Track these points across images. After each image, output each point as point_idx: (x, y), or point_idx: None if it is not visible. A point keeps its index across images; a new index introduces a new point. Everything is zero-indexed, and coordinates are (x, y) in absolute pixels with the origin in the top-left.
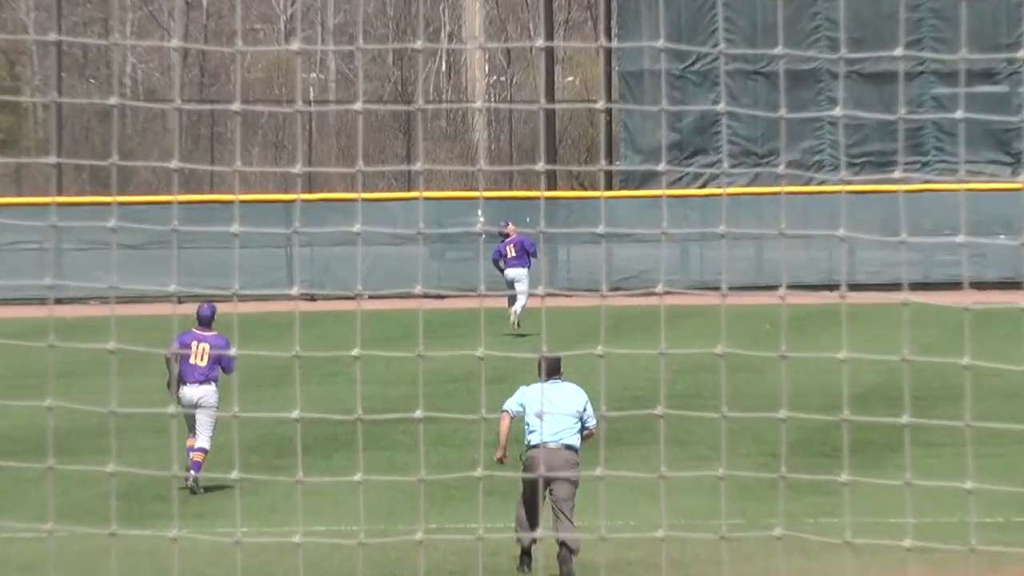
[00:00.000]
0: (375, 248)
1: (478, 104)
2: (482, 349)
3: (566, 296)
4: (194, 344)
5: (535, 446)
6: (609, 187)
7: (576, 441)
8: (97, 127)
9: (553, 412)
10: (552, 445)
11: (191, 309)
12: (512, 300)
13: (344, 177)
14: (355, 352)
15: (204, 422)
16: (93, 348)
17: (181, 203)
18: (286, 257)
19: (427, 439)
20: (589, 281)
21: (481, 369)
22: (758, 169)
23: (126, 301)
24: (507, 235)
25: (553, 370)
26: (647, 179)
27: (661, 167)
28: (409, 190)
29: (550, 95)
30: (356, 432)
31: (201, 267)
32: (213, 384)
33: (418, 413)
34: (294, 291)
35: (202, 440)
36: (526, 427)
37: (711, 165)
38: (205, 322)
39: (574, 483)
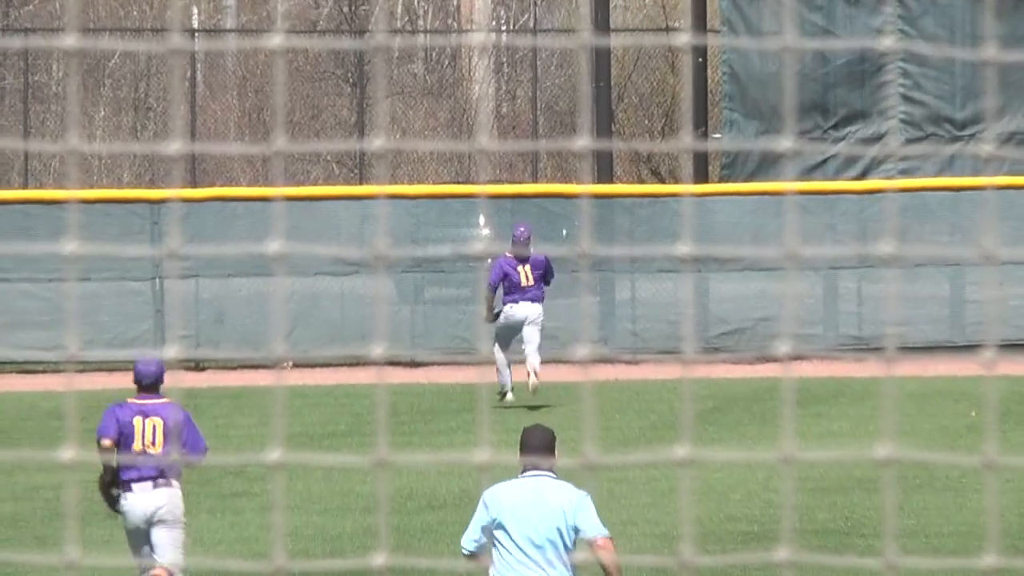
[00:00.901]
0: (305, 282)
1: (480, 36)
2: (485, 452)
3: (628, 363)
4: (137, 421)
5: None
6: (702, 177)
7: (567, 572)
8: None
9: (529, 526)
10: None
11: (6, 384)
12: (507, 349)
13: (252, 161)
14: (273, 457)
15: (167, 541)
16: None
17: None
18: (153, 296)
19: None
20: (667, 336)
21: (482, 486)
22: (954, 147)
23: None
24: (524, 256)
25: (537, 455)
26: (765, 164)
27: (789, 144)
28: (362, 182)
29: (602, 21)
30: None
31: (11, 314)
32: (176, 486)
33: (378, 560)
34: (169, 354)
35: (171, 563)
36: (494, 550)
37: (875, 140)
38: (150, 385)
39: None
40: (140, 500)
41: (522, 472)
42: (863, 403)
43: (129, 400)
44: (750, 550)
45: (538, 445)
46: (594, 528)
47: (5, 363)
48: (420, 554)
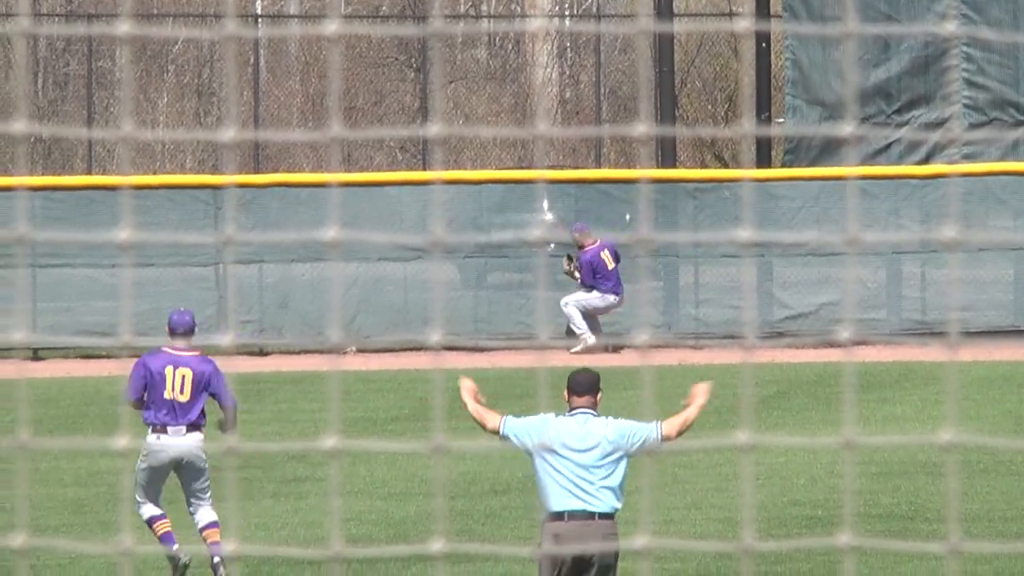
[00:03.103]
0: (369, 267)
1: (540, 22)
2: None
3: (692, 348)
4: (168, 370)
5: (558, 514)
6: (765, 163)
7: (614, 503)
8: None
9: (574, 459)
10: (580, 515)
11: (52, 369)
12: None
13: (314, 149)
14: (331, 443)
15: (203, 487)
16: None
17: (37, 190)
18: (216, 282)
19: None
20: (730, 322)
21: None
22: (1018, 132)
23: None
24: (584, 247)
25: (579, 395)
26: (828, 149)
27: (851, 129)
28: (424, 168)
29: (665, 6)
30: None
31: (72, 299)
32: (200, 432)
33: (437, 546)
34: (228, 340)
35: (209, 511)
36: (540, 481)
37: (938, 125)
38: (183, 334)
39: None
40: (174, 442)
41: (569, 411)
42: (927, 388)
43: (163, 348)
44: (814, 535)
45: (584, 385)
46: (645, 431)
47: (69, 348)
48: (484, 539)
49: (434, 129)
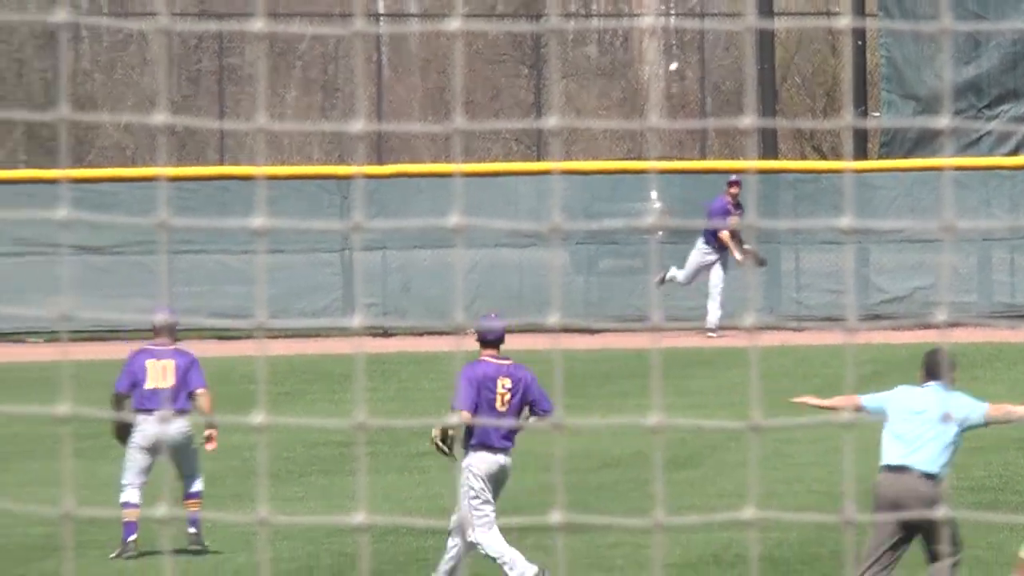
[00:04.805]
0: (484, 252)
1: (649, 19)
2: (656, 415)
3: (793, 330)
4: (149, 364)
5: (883, 467)
6: (862, 154)
7: (936, 466)
8: (34, 59)
9: (907, 419)
10: (898, 469)
11: (191, 349)
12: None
13: (435, 141)
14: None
15: (187, 462)
16: (33, 414)
17: (173, 181)
18: (342, 267)
19: (571, 559)
20: (830, 305)
21: (656, 448)
22: None
23: (85, 339)
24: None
25: (932, 371)
26: (923, 141)
27: (946, 123)
28: (539, 159)
29: (765, 5)
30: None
31: (206, 284)
32: (185, 420)
33: (555, 517)
34: (356, 323)
35: (197, 482)
36: (885, 439)
37: None
38: (165, 331)
39: (950, 528)
40: (163, 425)
41: (922, 383)
42: (1017, 367)
43: (145, 346)
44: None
45: (935, 365)
46: (970, 408)
47: (203, 329)
48: (596, 510)
49: (551, 121)
